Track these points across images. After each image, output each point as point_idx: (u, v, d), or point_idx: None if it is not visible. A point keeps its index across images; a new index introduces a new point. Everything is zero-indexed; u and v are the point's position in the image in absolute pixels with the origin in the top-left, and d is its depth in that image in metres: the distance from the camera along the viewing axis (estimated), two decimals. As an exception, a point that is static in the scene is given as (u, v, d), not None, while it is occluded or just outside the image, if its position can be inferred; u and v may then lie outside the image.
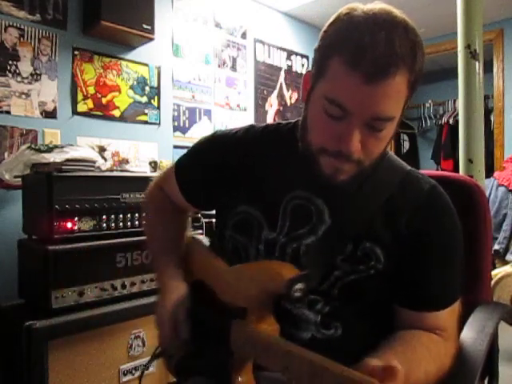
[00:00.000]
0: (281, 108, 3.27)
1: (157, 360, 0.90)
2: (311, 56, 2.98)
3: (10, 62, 1.93)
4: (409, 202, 0.74)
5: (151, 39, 2.26)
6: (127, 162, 2.18)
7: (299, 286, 0.65)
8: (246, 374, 0.70)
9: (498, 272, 2.28)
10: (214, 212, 0.93)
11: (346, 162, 0.68)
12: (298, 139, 0.77)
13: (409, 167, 0.80)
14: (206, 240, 0.94)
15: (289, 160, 0.80)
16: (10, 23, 1.93)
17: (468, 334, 0.76)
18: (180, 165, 0.93)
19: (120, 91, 2.32)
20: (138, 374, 1.60)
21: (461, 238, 0.76)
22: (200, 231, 1.88)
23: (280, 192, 0.78)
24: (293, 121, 0.85)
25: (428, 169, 4.51)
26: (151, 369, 1.60)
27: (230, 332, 0.71)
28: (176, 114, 2.61)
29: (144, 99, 2.43)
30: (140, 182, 1.70)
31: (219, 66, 2.85)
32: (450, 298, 0.75)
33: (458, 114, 1.89)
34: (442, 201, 0.76)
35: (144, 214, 1.05)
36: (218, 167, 0.84)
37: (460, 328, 0.77)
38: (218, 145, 0.87)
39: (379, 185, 0.75)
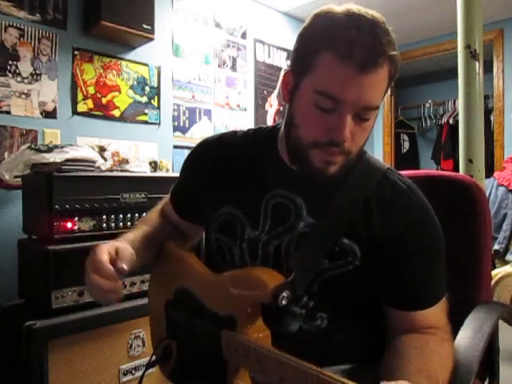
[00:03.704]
0: (281, 108, 3.27)
1: (152, 368, 0.91)
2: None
3: (10, 62, 1.93)
4: (385, 203, 0.75)
5: (151, 39, 2.26)
6: (127, 162, 2.18)
7: (285, 293, 0.66)
8: (243, 377, 0.69)
9: (498, 272, 2.27)
10: None
11: (337, 154, 0.70)
12: (283, 138, 0.79)
13: (387, 166, 0.81)
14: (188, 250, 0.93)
15: (268, 160, 0.83)
16: (10, 23, 1.93)
17: (465, 333, 0.76)
18: (173, 191, 0.99)
19: (120, 91, 2.32)
20: (138, 374, 1.60)
21: (440, 235, 0.77)
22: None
23: (260, 191, 0.80)
24: (273, 124, 0.88)
25: (428, 169, 4.51)
26: (151, 369, 1.59)
27: (220, 342, 0.70)
28: (176, 114, 2.60)
29: (144, 99, 2.43)
30: (140, 182, 1.70)
31: (219, 66, 2.85)
32: (436, 296, 0.76)
33: (458, 114, 1.89)
34: (418, 201, 0.77)
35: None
36: (203, 176, 0.88)
37: (457, 327, 0.77)
38: (201, 155, 0.91)
39: (357, 184, 0.77)
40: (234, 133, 0.91)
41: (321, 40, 0.67)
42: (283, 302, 0.66)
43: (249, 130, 0.90)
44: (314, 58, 0.67)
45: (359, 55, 0.63)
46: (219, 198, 0.85)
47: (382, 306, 0.78)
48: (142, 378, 0.89)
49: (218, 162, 0.87)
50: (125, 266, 0.73)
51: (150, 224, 0.96)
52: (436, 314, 0.75)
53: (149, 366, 0.89)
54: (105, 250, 0.74)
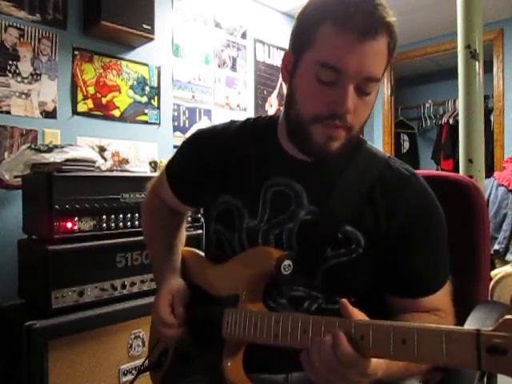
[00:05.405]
0: (281, 108, 3.27)
1: (143, 374, 0.92)
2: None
3: (10, 62, 1.93)
4: (389, 189, 0.75)
5: (151, 39, 2.26)
6: (127, 162, 2.18)
7: (287, 262, 0.69)
8: (236, 361, 0.72)
9: (497, 272, 2.27)
10: None
11: (339, 127, 0.69)
12: (283, 125, 0.79)
13: (388, 155, 0.81)
14: (201, 253, 0.96)
15: (267, 148, 0.82)
16: (10, 23, 1.93)
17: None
18: (169, 168, 0.98)
19: (120, 91, 2.32)
20: (137, 373, 1.60)
21: (443, 220, 0.77)
22: (200, 231, 1.88)
23: (259, 180, 0.80)
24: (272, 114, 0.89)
25: (428, 169, 4.51)
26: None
27: (221, 320, 0.74)
28: (176, 114, 2.61)
29: (144, 99, 2.43)
30: (140, 182, 1.69)
31: (219, 66, 2.85)
32: (441, 280, 0.76)
33: (457, 114, 1.89)
34: (421, 187, 0.77)
35: (142, 220, 1.08)
36: (201, 164, 0.87)
37: (459, 324, 0.77)
38: (200, 142, 0.90)
39: (359, 172, 0.76)
40: (233, 122, 0.90)
41: (320, 14, 0.67)
42: (286, 272, 0.69)
43: (248, 119, 0.90)
44: (313, 32, 0.68)
45: (359, 23, 0.64)
46: (218, 188, 0.84)
47: (384, 297, 0.77)
48: (133, 381, 0.90)
49: (217, 151, 0.86)
50: (181, 311, 0.81)
51: (169, 226, 0.98)
52: (440, 297, 0.75)
53: (141, 371, 0.90)
54: (165, 305, 0.82)
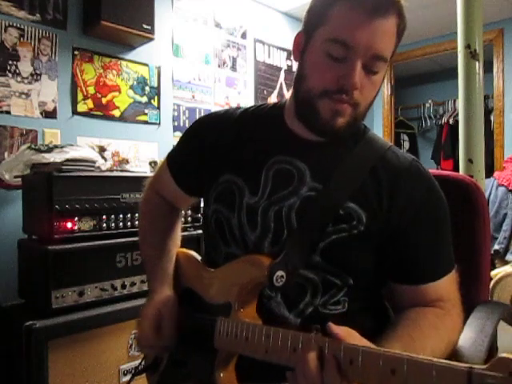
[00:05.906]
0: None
1: (139, 375, 0.91)
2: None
3: (10, 62, 1.93)
4: (392, 172, 0.75)
5: (151, 39, 2.26)
6: (127, 162, 2.18)
7: (280, 273, 0.68)
8: (228, 371, 0.71)
9: (497, 272, 2.27)
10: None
11: (346, 103, 0.71)
12: (290, 106, 0.80)
13: (390, 143, 0.82)
14: (196, 255, 0.94)
15: (272, 128, 0.83)
16: (10, 23, 1.93)
17: (468, 335, 0.76)
18: (170, 156, 0.97)
19: (120, 91, 2.32)
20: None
21: (446, 205, 0.77)
22: (200, 231, 1.88)
23: (262, 158, 0.80)
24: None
25: (428, 169, 4.50)
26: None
27: (214, 330, 0.72)
28: (176, 114, 2.61)
29: (144, 99, 2.43)
30: (140, 182, 1.67)
31: (219, 66, 2.85)
32: (446, 266, 0.75)
33: (457, 114, 1.89)
34: (424, 172, 0.78)
35: (139, 220, 1.07)
36: (203, 144, 0.87)
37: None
38: (200, 126, 0.91)
39: (363, 154, 0.77)
40: (238, 108, 0.91)
41: None
42: (278, 283, 0.68)
43: (254, 104, 0.92)
44: (327, 11, 0.70)
45: (370, 1, 0.67)
46: (220, 167, 0.83)
47: (388, 288, 0.77)
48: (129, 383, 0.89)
49: (219, 131, 0.86)
50: (167, 343, 0.81)
51: (166, 228, 0.97)
52: (445, 285, 0.74)
53: (136, 373, 0.89)
54: (150, 326, 0.81)
